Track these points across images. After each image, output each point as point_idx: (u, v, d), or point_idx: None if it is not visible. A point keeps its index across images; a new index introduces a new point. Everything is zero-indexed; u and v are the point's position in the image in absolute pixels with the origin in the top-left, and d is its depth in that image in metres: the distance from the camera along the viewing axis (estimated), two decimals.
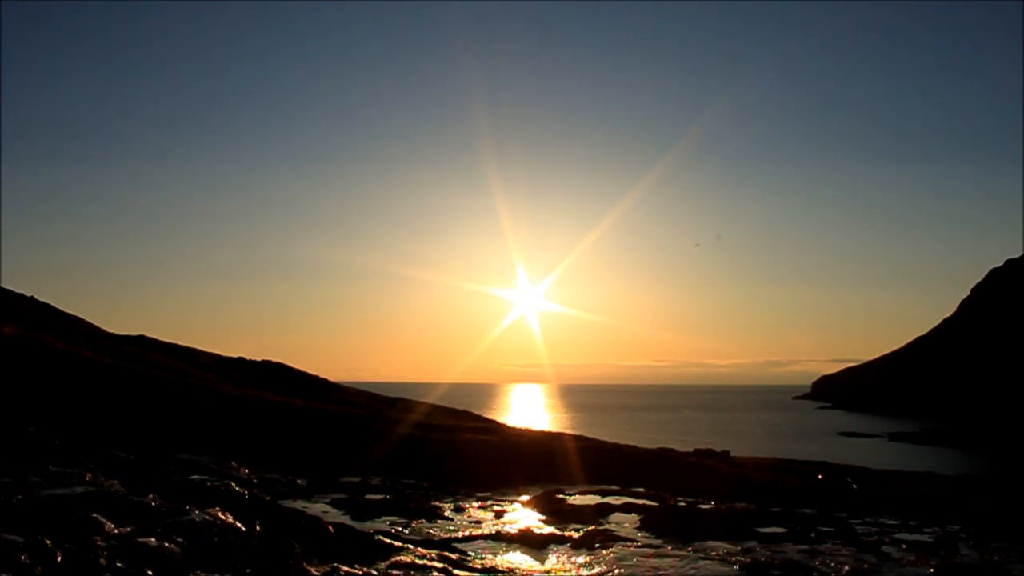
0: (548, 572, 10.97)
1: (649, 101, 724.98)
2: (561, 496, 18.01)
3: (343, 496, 16.31)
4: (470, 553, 11.42)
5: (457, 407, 47.61)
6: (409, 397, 50.87)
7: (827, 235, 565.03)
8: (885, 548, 14.09)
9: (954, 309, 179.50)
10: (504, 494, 19.80)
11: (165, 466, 14.69)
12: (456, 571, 9.72)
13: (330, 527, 10.45)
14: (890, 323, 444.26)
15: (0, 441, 11.37)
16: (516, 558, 11.59)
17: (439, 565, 9.77)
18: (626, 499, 18.38)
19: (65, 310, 45.06)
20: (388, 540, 10.69)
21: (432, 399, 51.39)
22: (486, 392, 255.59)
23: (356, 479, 19.52)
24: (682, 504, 18.43)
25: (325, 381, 48.29)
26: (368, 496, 16.40)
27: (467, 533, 13.29)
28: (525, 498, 18.14)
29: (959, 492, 27.23)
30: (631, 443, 40.32)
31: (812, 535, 15.02)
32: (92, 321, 46.05)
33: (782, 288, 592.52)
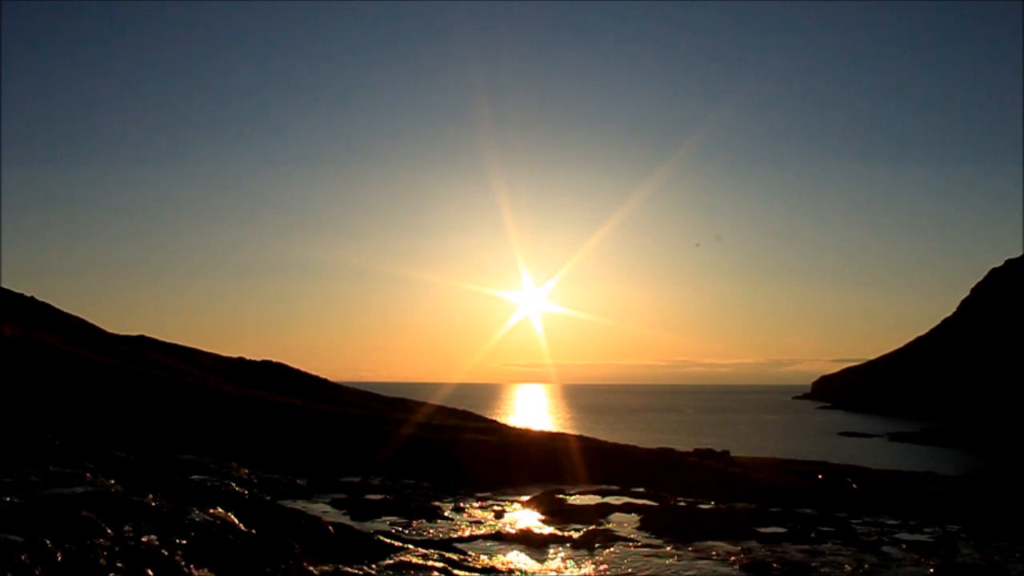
0: (548, 572, 10.98)
1: (653, 102, 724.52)
2: (561, 496, 18.02)
3: (343, 496, 16.33)
4: (470, 553, 11.42)
5: (461, 407, 47.54)
6: (414, 397, 50.80)
7: (827, 235, 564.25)
8: (885, 548, 14.09)
9: (954, 309, 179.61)
10: (504, 494, 19.81)
11: (165, 466, 14.71)
12: (456, 571, 9.73)
13: (330, 527, 10.46)
14: (890, 323, 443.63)
15: (0, 441, 11.38)
16: (516, 558, 11.60)
17: (439, 565, 9.77)
18: (626, 499, 18.38)
19: (65, 310, 45.07)
20: (388, 540, 10.70)
21: (437, 399, 51.37)
22: (490, 392, 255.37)
23: (356, 479, 19.54)
24: (682, 504, 18.43)
25: (325, 381, 48.26)
26: (368, 496, 16.41)
27: (467, 533, 13.30)
28: (525, 498, 18.14)
29: (959, 492, 27.22)
30: (631, 443, 40.29)
31: (812, 535, 15.02)
32: (92, 321, 46.06)
33: (783, 288, 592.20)
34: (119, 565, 6.43)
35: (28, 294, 43.76)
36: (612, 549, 12.62)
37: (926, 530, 17.02)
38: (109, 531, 7.11)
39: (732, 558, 12.27)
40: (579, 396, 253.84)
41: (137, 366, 32.15)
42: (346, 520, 13.02)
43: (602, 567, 11.38)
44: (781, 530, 15.30)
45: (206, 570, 6.95)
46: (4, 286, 42.75)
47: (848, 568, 12.11)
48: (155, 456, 16.33)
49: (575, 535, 13.30)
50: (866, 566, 12.33)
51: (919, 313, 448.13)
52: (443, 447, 26.64)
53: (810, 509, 19.27)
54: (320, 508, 14.35)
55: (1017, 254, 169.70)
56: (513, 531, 13.49)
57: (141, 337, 46.75)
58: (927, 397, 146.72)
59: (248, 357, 49.16)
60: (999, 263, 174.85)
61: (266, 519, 9.78)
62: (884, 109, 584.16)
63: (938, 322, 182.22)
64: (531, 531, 13.55)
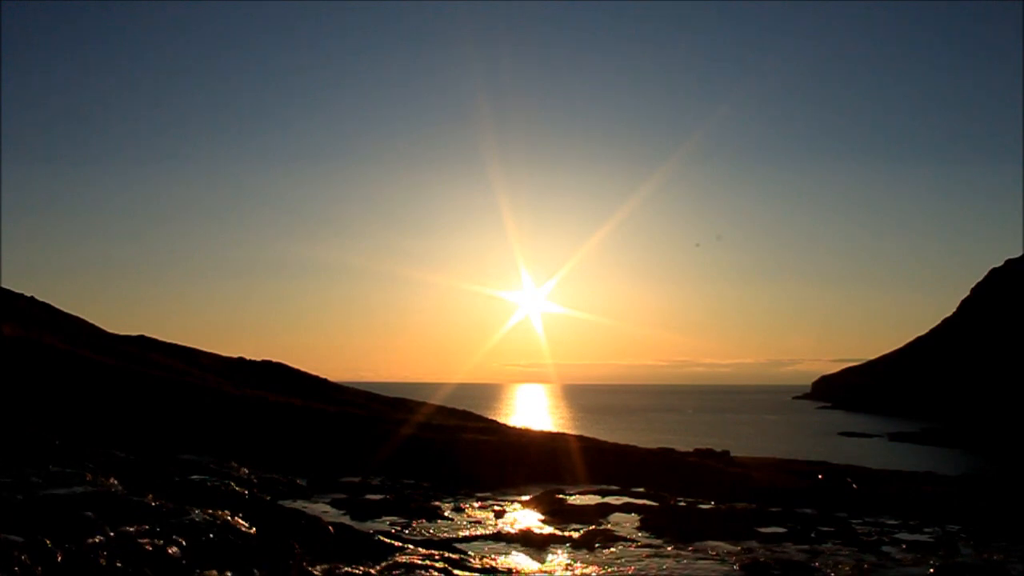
0: (548, 572, 10.98)
1: (653, 102, 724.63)
2: (561, 496, 18.02)
3: (343, 496, 16.32)
4: (470, 553, 11.42)
5: (461, 407, 47.51)
6: (415, 397, 50.75)
7: (828, 235, 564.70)
8: (885, 548, 14.09)
9: (954, 309, 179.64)
10: (504, 494, 19.80)
11: (165, 466, 14.70)
12: (456, 571, 9.73)
13: (330, 527, 10.46)
14: (890, 323, 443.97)
15: (0, 441, 11.38)
16: (516, 558, 11.60)
17: (439, 565, 9.77)
18: (626, 499, 18.38)
19: (65, 310, 45.05)
20: (388, 540, 10.70)
21: (437, 399, 51.35)
22: (490, 392, 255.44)
23: (356, 479, 19.53)
24: (682, 504, 18.43)
25: (325, 381, 48.23)
26: (368, 496, 16.41)
27: (467, 533, 13.30)
28: (525, 498, 18.14)
29: (959, 492, 27.23)
30: (631, 443, 40.31)
31: (812, 535, 15.02)
32: (92, 321, 46.04)
33: (783, 288, 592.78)
34: (119, 565, 6.43)
35: (28, 294, 43.80)
36: (612, 549, 12.61)
37: (926, 530, 17.01)
38: (109, 531, 7.11)
39: (732, 558, 12.27)
40: (579, 396, 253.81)
41: (137, 366, 32.15)
42: (346, 520, 13.02)
43: (602, 567, 11.37)
44: (781, 530, 15.29)
45: (206, 570, 6.95)
46: (4, 286, 42.78)
47: (848, 568, 12.11)
48: (155, 456, 16.33)
49: (575, 535, 13.30)
50: (866, 566, 12.33)
51: (919, 313, 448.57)
52: (443, 447, 26.63)
53: (810, 509, 19.26)
54: (320, 508, 14.34)
55: (1017, 254, 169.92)
56: (513, 531, 13.49)
57: (141, 337, 46.73)
58: (927, 397, 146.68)
59: (248, 357, 49.14)
60: (999, 263, 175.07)
61: (266, 519, 9.78)
62: (884, 109, 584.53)
63: (938, 322, 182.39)
64: (531, 531, 13.54)
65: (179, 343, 47.67)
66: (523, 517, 15.50)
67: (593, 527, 14.22)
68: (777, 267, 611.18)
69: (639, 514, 16.25)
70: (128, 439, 18.13)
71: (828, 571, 11.80)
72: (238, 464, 17.81)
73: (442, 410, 42.15)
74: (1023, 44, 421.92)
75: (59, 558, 6.18)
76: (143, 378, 28.86)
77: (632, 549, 12.73)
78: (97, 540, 6.79)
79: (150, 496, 8.92)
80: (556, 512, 16.21)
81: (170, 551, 6.99)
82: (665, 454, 34.52)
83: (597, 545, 12.78)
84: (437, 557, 10.27)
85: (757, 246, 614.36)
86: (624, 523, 15.38)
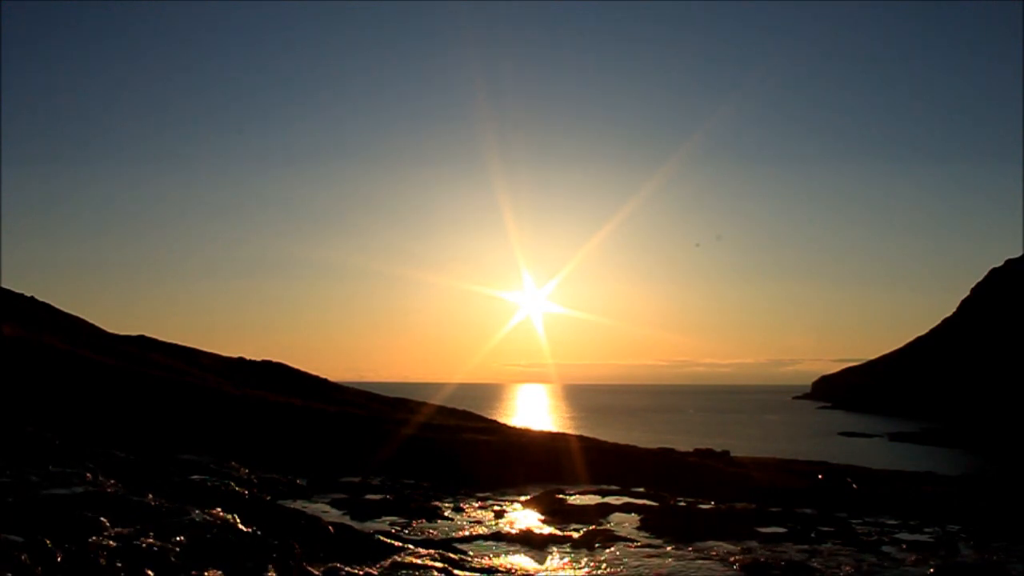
0: (548, 572, 10.98)
1: (653, 102, 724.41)
2: (561, 496, 18.01)
3: (343, 496, 16.33)
4: (470, 553, 11.42)
5: (462, 407, 47.46)
6: (415, 397, 50.68)
7: (828, 235, 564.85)
8: (885, 548, 14.09)
9: (954, 309, 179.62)
10: (504, 494, 19.80)
11: (165, 466, 14.70)
12: (456, 571, 9.72)
13: (330, 527, 10.46)
14: (890, 323, 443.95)
15: (0, 441, 11.38)
16: (516, 558, 11.60)
17: (439, 565, 9.77)
18: (626, 499, 18.38)
19: (65, 310, 45.03)
20: (388, 540, 10.69)
21: (438, 399, 51.30)
22: (491, 392, 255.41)
23: (356, 479, 19.54)
24: (682, 504, 18.43)
25: (325, 381, 48.19)
26: (368, 496, 16.41)
27: (467, 533, 13.29)
28: (525, 498, 18.14)
29: (959, 492, 27.21)
30: (632, 443, 40.28)
31: (812, 535, 15.02)
32: (92, 321, 46.01)
33: (783, 288, 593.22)
34: (119, 565, 6.43)
35: (28, 294, 43.79)
36: (612, 549, 12.62)
37: (926, 530, 17.01)
38: (109, 531, 7.11)
39: (732, 558, 12.27)
40: (579, 396, 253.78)
41: (137, 366, 32.15)
42: (346, 520, 13.02)
43: (602, 567, 11.38)
44: (781, 530, 15.30)
45: (206, 570, 6.95)
46: (4, 286, 42.78)
47: (848, 568, 12.11)
48: (155, 456, 16.33)
49: (575, 535, 13.30)
50: (866, 566, 12.33)
51: (919, 313, 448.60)
52: (443, 447, 26.63)
53: (810, 509, 19.26)
54: (320, 508, 14.34)
55: (1017, 254, 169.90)
56: (513, 531, 13.49)
57: (141, 337, 46.71)
58: (927, 397, 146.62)
59: (248, 357, 49.09)
60: (999, 263, 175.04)
61: (266, 519, 9.78)
62: (884, 109, 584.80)
63: (938, 322, 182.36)
64: (531, 531, 13.54)
65: (179, 343, 47.69)
66: (523, 517, 15.51)
67: (593, 527, 14.22)
68: (777, 267, 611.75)
69: (639, 514, 16.25)
70: (128, 439, 18.13)
71: (828, 571, 11.80)
72: (238, 464, 17.81)
73: (442, 410, 42.12)
74: (1023, 44, 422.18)
75: (59, 558, 6.18)
76: (143, 378, 28.86)
77: (632, 549, 12.74)
78: (97, 540, 6.79)
79: (150, 496, 8.92)
80: (556, 512, 16.21)
81: (170, 551, 6.99)
82: (665, 454, 34.47)
83: (597, 545, 12.78)
84: (437, 557, 10.27)
85: (757, 246, 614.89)
86: (624, 523, 15.38)
